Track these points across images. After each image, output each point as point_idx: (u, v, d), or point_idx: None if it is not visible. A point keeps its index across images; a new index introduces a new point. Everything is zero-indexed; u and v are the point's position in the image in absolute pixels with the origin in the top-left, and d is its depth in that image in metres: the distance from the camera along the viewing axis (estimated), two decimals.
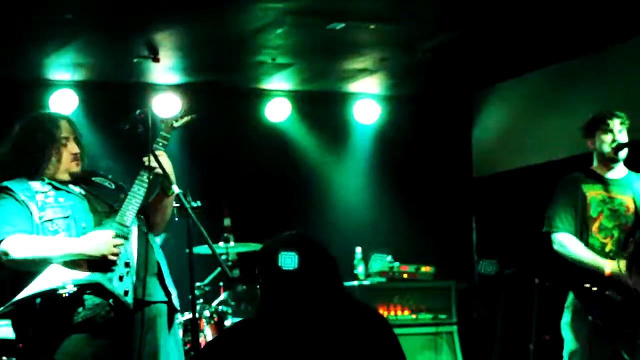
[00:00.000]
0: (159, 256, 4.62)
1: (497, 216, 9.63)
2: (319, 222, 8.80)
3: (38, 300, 4.23)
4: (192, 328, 4.42)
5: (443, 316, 8.43)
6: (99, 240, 4.33)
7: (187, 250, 4.12)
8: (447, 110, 9.99)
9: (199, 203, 4.37)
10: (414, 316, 8.31)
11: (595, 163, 5.93)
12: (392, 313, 8.22)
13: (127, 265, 4.37)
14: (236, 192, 8.70)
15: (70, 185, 4.59)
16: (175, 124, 4.71)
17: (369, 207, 9.65)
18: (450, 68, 8.88)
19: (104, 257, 4.30)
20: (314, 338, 3.28)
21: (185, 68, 8.53)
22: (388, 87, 9.56)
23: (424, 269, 8.55)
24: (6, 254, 4.32)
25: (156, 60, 7.85)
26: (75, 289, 4.24)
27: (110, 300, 4.28)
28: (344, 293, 3.46)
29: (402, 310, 8.29)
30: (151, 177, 4.45)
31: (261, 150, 9.14)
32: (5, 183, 4.51)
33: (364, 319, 3.42)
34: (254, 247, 7.61)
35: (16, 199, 4.43)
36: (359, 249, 8.49)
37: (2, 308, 4.26)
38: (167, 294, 4.58)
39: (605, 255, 5.69)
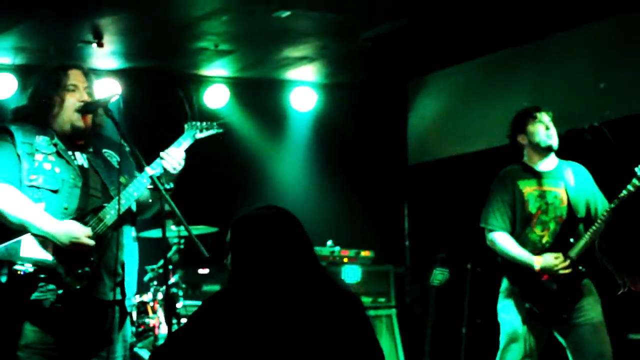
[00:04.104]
0: (129, 253, 4.57)
1: (431, 203, 9.77)
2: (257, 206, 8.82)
3: (3, 278, 4.22)
4: (167, 307, 4.38)
5: (382, 299, 8.55)
6: (71, 231, 4.28)
7: (161, 234, 4.13)
8: (383, 98, 10.13)
9: (172, 185, 4.38)
10: None
11: (526, 157, 6.04)
12: None
13: (90, 263, 4.33)
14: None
15: (77, 154, 4.52)
16: (199, 135, 4.73)
17: (309, 192, 9.74)
18: (388, 57, 8.97)
19: (67, 247, 4.26)
20: (287, 312, 3.32)
21: (127, 53, 8.50)
22: (325, 74, 9.65)
23: (363, 253, 8.65)
24: None
25: (100, 45, 7.83)
26: (32, 269, 4.22)
27: (60, 291, 4.26)
28: (318, 265, 3.50)
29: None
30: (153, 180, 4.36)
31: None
32: (12, 126, 4.44)
33: (339, 295, 3.45)
34: (202, 229, 7.64)
35: (15, 149, 4.37)
36: None
37: None
38: (122, 294, 4.53)
39: (542, 246, 5.85)
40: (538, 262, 5.75)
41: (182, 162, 4.63)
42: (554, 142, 5.93)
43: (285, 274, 3.37)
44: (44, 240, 4.28)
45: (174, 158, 4.59)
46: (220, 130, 4.85)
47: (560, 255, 5.74)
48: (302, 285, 3.38)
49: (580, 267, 5.76)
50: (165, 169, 4.57)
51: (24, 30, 7.60)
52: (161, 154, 4.59)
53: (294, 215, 3.50)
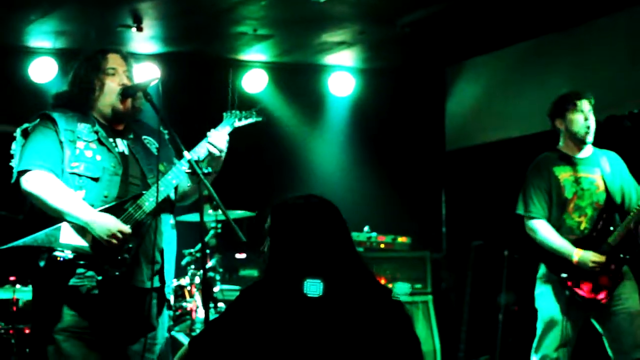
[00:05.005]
0: (167, 241, 4.61)
1: (468, 189, 9.76)
2: (296, 193, 8.83)
3: (42, 262, 4.27)
4: (204, 291, 4.40)
5: (418, 286, 8.52)
6: (107, 223, 4.30)
7: (198, 217, 4.15)
8: (421, 83, 10.08)
9: (209, 169, 4.39)
10: (390, 286, 8.40)
11: (562, 143, 6.02)
12: None
13: (128, 250, 4.36)
14: None
15: (117, 141, 4.53)
16: (238, 123, 4.74)
17: (346, 178, 9.75)
18: (426, 42, 8.95)
19: (101, 239, 4.29)
20: (324, 304, 3.33)
21: (166, 37, 8.53)
22: (363, 60, 9.63)
23: (400, 239, 8.63)
24: (25, 184, 4.32)
25: (140, 29, 7.86)
26: (71, 256, 4.26)
27: (99, 278, 4.29)
28: (357, 257, 3.50)
29: (379, 280, 8.37)
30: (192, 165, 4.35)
31: None
32: (55, 113, 4.45)
33: (375, 287, 3.48)
34: (239, 214, 7.66)
35: (57, 136, 4.39)
36: None
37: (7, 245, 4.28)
38: (161, 282, 4.58)
39: (581, 233, 5.84)
40: (577, 254, 5.74)
41: (226, 145, 4.64)
42: (590, 135, 5.92)
43: (323, 265, 3.37)
44: (82, 228, 4.31)
45: (218, 139, 4.59)
46: (260, 119, 4.84)
47: (602, 258, 5.72)
48: (340, 278, 3.38)
49: (622, 255, 5.74)
50: (210, 152, 4.58)
51: (64, 14, 7.65)
52: (207, 136, 4.60)
53: (334, 204, 3.49)
